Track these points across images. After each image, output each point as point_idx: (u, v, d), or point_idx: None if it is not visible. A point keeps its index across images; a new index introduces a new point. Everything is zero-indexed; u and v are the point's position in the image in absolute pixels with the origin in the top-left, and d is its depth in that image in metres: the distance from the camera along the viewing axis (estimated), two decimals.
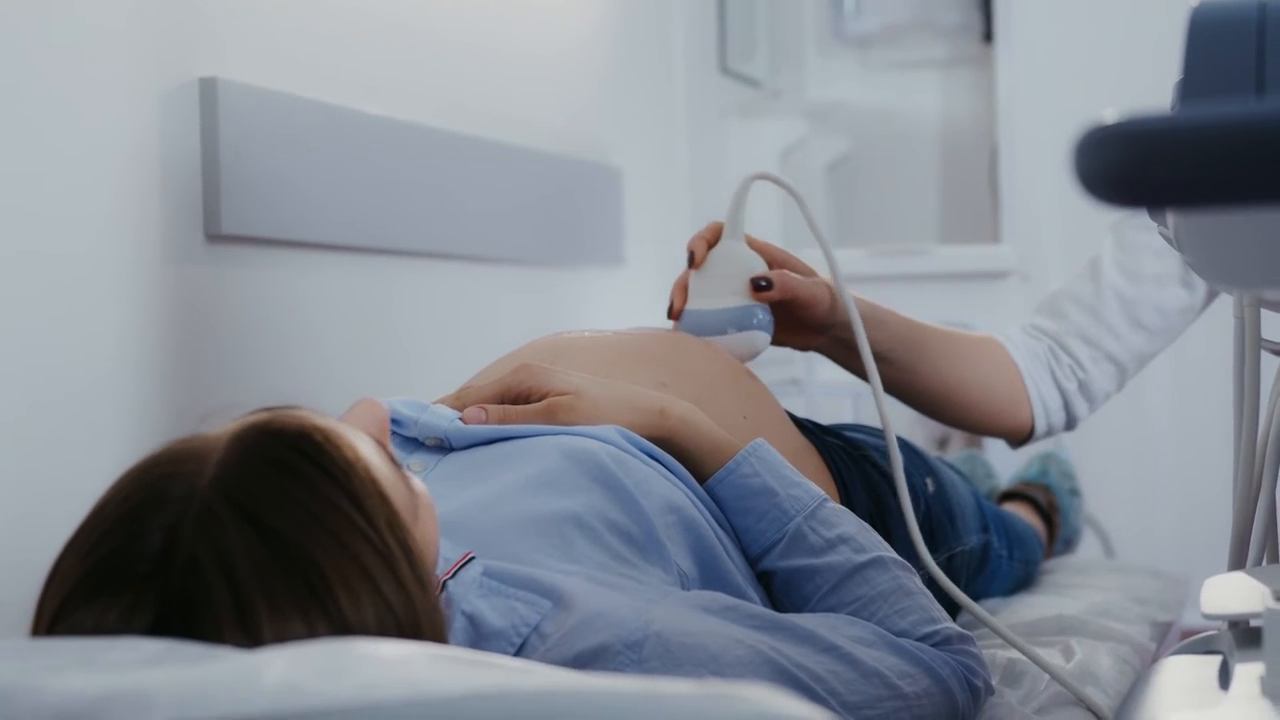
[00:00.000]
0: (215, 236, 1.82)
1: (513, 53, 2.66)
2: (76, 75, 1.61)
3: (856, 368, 1.85)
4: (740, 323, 1.75)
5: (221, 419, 1.09)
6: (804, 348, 1.87)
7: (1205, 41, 0.88)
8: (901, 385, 1.88)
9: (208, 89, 1.80)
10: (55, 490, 1.56)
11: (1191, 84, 0.90)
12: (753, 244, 1.79)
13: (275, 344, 1.96)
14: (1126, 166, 0.78)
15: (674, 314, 1.80)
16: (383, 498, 1.05)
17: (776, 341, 1.83)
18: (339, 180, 2.06)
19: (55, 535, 1.53)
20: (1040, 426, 1.96)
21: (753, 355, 1.78)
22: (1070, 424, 2.00)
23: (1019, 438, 1.98)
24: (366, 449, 1.08)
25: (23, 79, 1.54)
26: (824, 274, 1.81)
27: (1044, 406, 1.95)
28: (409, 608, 1.03)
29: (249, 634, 0.95)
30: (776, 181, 1.78)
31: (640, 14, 3.25)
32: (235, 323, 1.88)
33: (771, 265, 1.79)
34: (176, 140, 1.77)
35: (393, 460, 1.12)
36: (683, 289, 1.80)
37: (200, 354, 1.81)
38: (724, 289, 1.76)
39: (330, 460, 1.04)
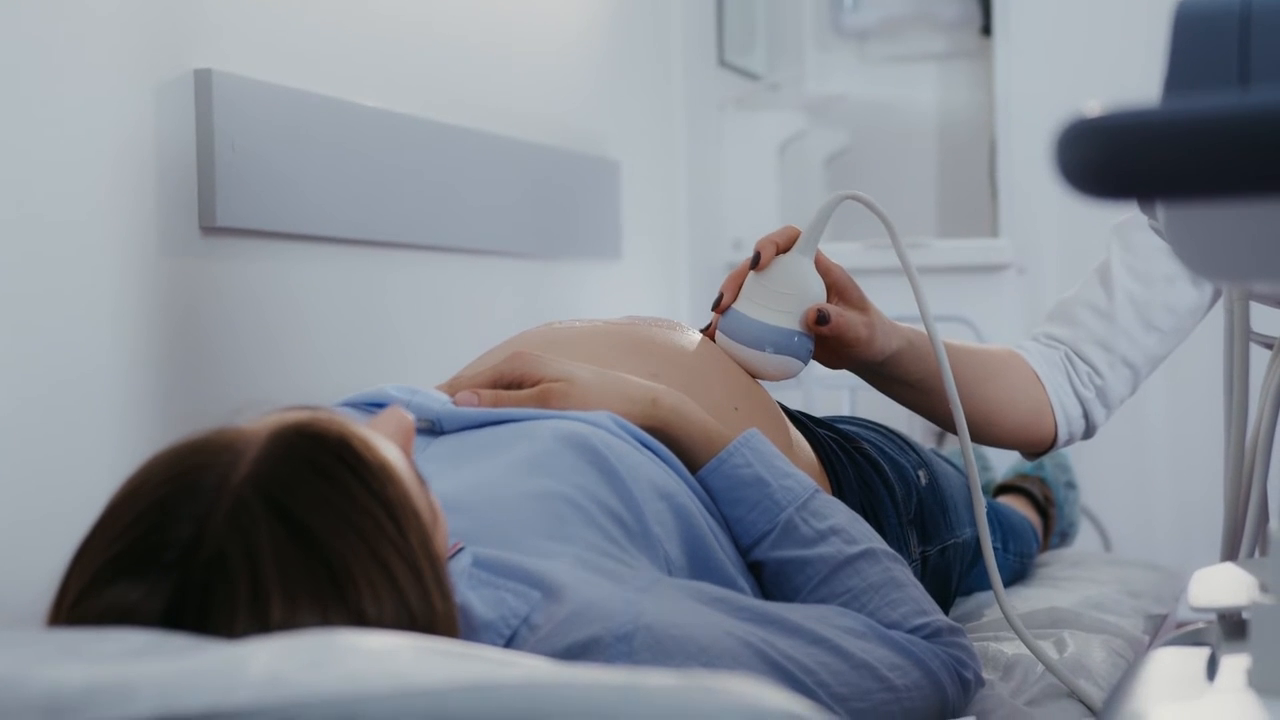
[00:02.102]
0: (210, 229, 1.83)
1: (510, 45, 2.66)
2: (71, 67, 1.61)
3: (885, 389, 1.85)
4: (781, 346, 1.71)
5: (253, 413, 1.09)
6: (833, 367, 1.84)
7: (1189, 34, 0.89)
8: (930, 409, 1.86)
9: (203, 81, 1.80)
10: (49, 482, 1.57)
11: (1176, 77, 0.90)
12: (820, 263, 1.74)
13: (270, 336, 1.96)
14: (1108, 159, 0.78)
15: (719, 308, 1.75)
16: (415, 512, 1.05)
17: None
18: (334, 173, 2.06)
19: (50, 526, 1.53)
20: (1062, 436, 1.94)
21: (784, 378, 1.75)
22: (1089, 432, 1.97)
23: (1041, 449, 1.96)
24: (399, 460, 1.08)
25: (16, 70, 1.54)
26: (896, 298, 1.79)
27: (1066, 416, 1.92)
28: (430, 621, 1.03)
29: (266, 628, 0.96)
30: (868, 205, 1.71)
31: (638, 6, 3.25)
32: (230, 315, 1.88)
33: (832, 288, 1.74)
34: (171, 132, 1.77)
35: (417, 472, 1.12)
36: (736, 285, 1.75)
37: (195, 346, 1.81)
38: (777, 304, 1.71)
39: (368, 470, 1.04)
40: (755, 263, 1.72)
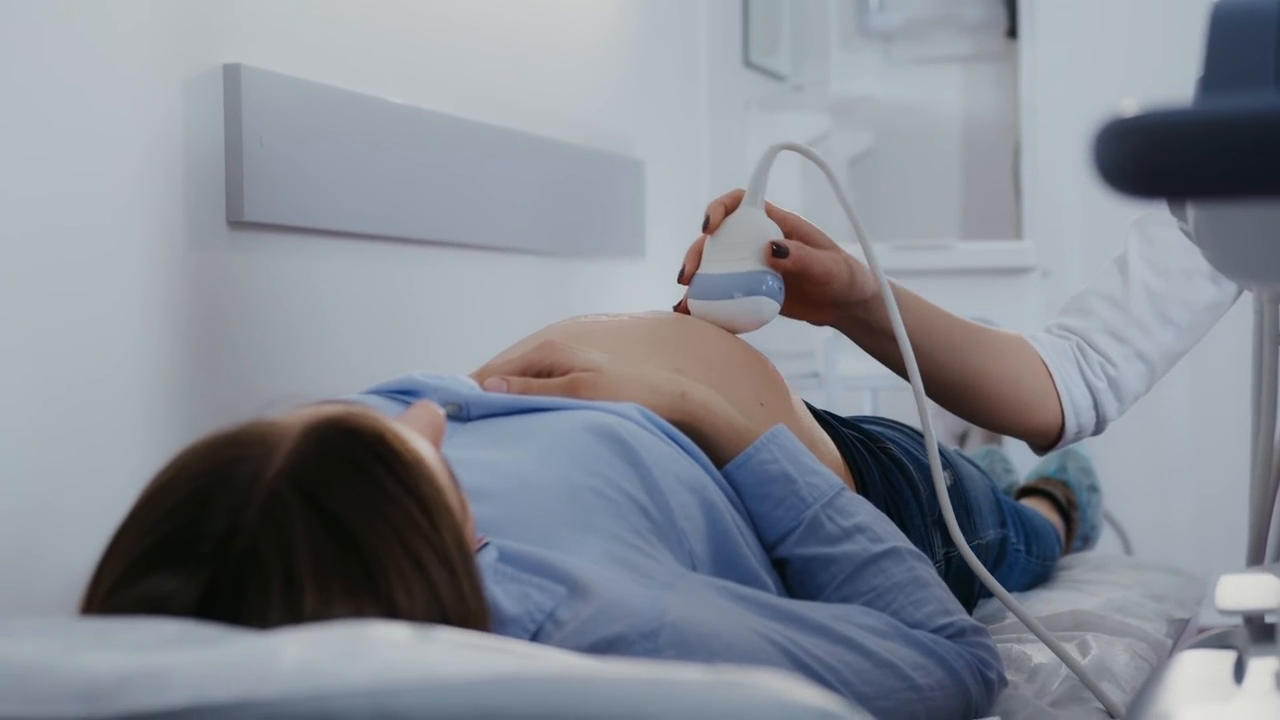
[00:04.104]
0: (238, 223, 1.83)
1: (537, 43, 2.66)
2: (100, 62, 1.62)
3: (871, 347, 1.79)
4: (748, 288, 1.70)
5: (286, 406, 1.09)
6: (818, 322, 1.81)
7: (1226, 35, 0.89)
8: (922, 372, 1.78)
9: (231, 76, 1.81)
10: (77, 475, 1.57)
11: (1212, 77, 0.90)
12: (772, 213, 1.74)
13: (296, 330, 1.97)
14: (1145, 158, 0.78)
15: (684, 278, 1.76)
16: (447, 507, 1.05)
17: (790, 314, 1.79)
18: (361, 168, 2.06)
19: (79, 519, 1.54)
20: (1070, 427, 1.89)
21: (759, 323, 1.73)
22: (1100, 425, 1.92)
23: (1047, 439, 1.91)
24: (432, 455, 1.08)
25: (47, 66, 1.54)
26: (852, 251, 1.76)
27: (1073, 406, 1.87)
28: (462, 615, 1.03)
29: (298, 621, 0.96)
30: (804, 152, 1.72)
31: (664, 6, 3.25)
32: (257, 309, 1.89)
33: (792, 235, 1.73)
34: (200, 127, 1.77)
35: (449, 467, 1.12)
36: (696, 254, 1.76)
37: (221, 339, 1.82)
38: (736, 254, 1.71)
39: (403, 465, 1.04)
40: (705, 226, 1.73)
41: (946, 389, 1.83)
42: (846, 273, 1.72)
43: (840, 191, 1.73)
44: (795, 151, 1.73)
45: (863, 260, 1.71)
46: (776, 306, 1.72)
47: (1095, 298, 1.91)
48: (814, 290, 1.73)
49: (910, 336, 1.73)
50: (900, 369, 1.78)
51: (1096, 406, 1.90)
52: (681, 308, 1.76)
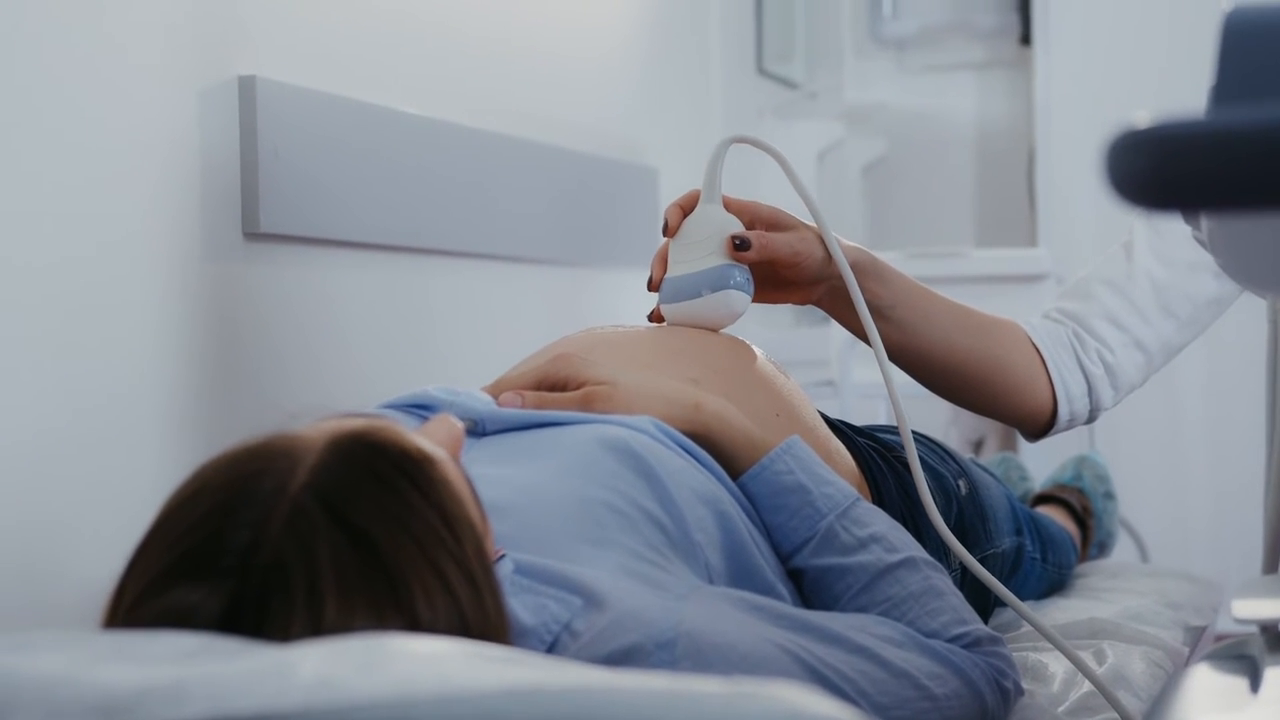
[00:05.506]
0: (253, 235, 1.84)
1: (550, 52, 2.67)
2: (116, 73, 1.62)
3: (853, 323, 1.77)
4: (714, 284, 1.70)
5: (307, 419, 1.09)
6: (805, 301, 1.79)
7: (1239, 45, 0.88)
8: (905, 350, 1.78)
9: (246, 87, 1.81)
10: (96, 488, 1.58)
11: (1224, 88, 0.90)
12: (731, 205, 1.74)
13: (311, 342, 1.97)
14: (1158, 170, 0.78)
15: (653, 285, 1.76)
16: (469, 521, 1.06)
17: (775, 299, 1.78)
18: (376, 179, 2.07)
19: (97, 531, 1.54)
20: (1063, 414, 1.85)
21: (733, 317, 1.73)
22: (1093, 414, 1.88)
23: (1038, 425, 1.87)
24: (453, 469, 1.09)
25: (63, 77, 1.55)
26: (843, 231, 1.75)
27: (1066, 391, 1.84)
28: (484, 628, 1.03)
29: (320, 634, 0.96)
30: (757, 144, 1.73)
31: (678, 14, 3.26)
32: (272, 320, 1.89)
33: (754, 223, 1.73)
34: (215, 139, 1.78)
35: (469, 480, 1.12)
36: (662, 259, 1.76)
37: (237, 351, 1.82)
38: (699, 252, 1.71)
39: (428, 481, 1.05)
40: (664, 230, 1.73)
41: (931, 368, 1.81)
42: (818, 249, 1.71)
43: (796, 181, 1.74)
44: (747, 144, 1.74)
45: (832, 245, 1.71)
46: (746, 298, 1.72)
47: (1097, 283, 1.89)
48: (789, 272, 1.72)
49: (893, 310, 1.74)
50: (900, 358, 1.79)
51: (1091, 393, 1.87)
52: (655, 316, 1.77)
